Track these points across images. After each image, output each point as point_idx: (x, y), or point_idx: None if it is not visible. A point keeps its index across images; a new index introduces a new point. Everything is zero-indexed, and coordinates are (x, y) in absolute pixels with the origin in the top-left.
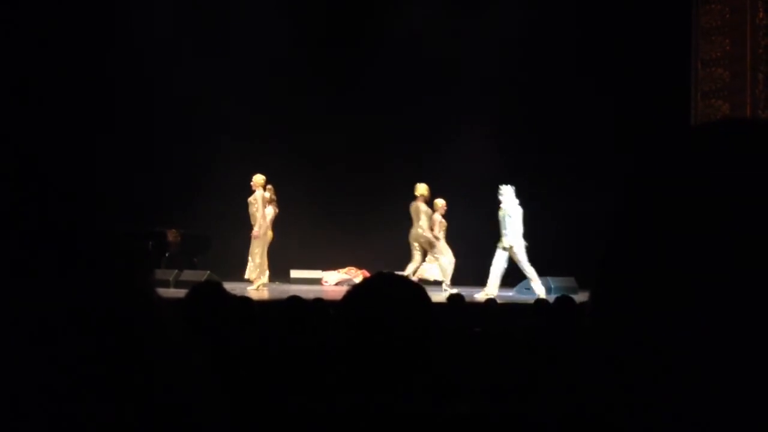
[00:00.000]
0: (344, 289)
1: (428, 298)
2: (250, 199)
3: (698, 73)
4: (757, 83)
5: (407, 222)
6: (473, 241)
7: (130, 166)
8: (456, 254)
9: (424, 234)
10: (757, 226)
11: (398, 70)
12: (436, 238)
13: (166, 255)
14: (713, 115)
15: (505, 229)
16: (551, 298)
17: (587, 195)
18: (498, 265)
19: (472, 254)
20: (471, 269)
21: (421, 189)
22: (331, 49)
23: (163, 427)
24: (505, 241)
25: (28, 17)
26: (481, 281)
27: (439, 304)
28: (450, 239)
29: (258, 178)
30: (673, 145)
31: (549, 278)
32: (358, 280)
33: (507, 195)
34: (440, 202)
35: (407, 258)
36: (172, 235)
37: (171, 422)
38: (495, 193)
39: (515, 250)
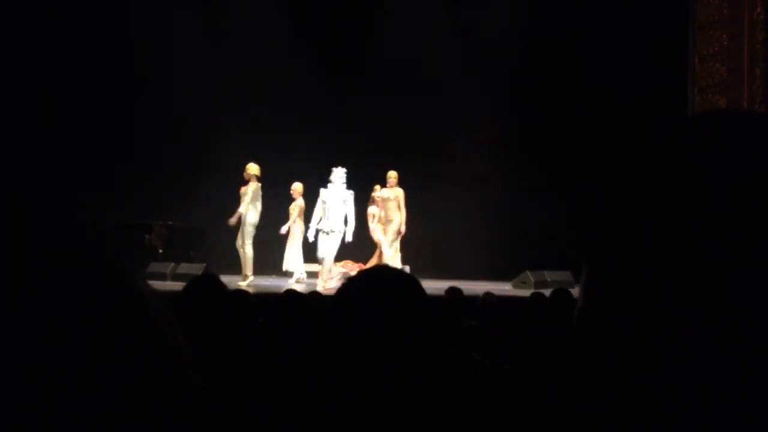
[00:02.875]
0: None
1: (423, 291)
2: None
3: (696, 68)
4: (755, 78)
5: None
6: (469, 236)
7: (127, 160)
8: (454, 249)
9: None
10: (753, 219)
11: (395, 68)
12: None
13: (159, 249)
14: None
15: (327, 212)
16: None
17: (583, 190)
18: (326, 250)
19: (471, 248)
20: (469, 264)
21: (253, 169)
22: (326, 42)
23: (156, 424)
24: (326, 225)
25: (12, 6)
26: (481, 274)
27: (436, 297)
28: (445, 235)
29: (391, 174)
30: (665, 137)
31: (545, 272)
32: (354, 273)
33: (336, 178)
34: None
35: (405, 251)
36: (157, 229)
37: (164, 418)
38: (488, 187)
39: (335, 234)
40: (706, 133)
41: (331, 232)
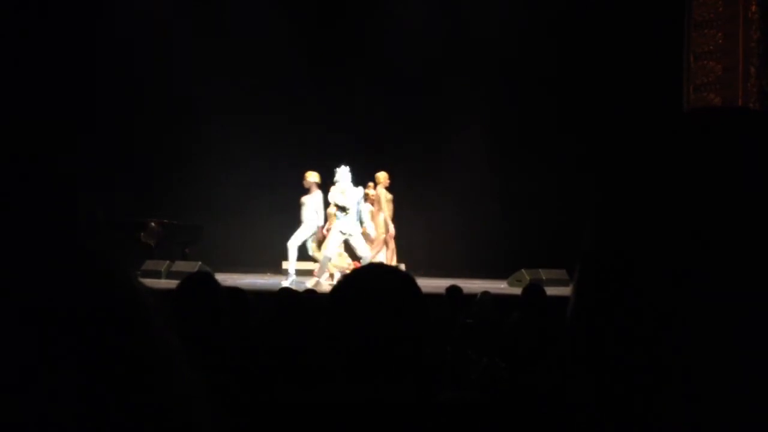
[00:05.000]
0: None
1: (419, 289)
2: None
3: (690, 66)
4: (749, 76)
5: (401, 214)
6: (465, 234)
7: (122, 158)
8: (450, 247)
9: None
10: (748, 216)
11: (391, 66)
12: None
13: (152, 246)
14: None
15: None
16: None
17: (579, 188)
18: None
19: (466, 247)
20: (464, 262)
21: (313, 176)
22: (323, 40)
23: (147, 421)
24: (346, 227)
25: (10, 3)
26: (477, 272)
27: (432, 296)
28: (441, 234)
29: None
30: (658, 134)
31: (541, 270)
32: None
33: (342, 177)
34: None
35: (402, 250)
36: (152, 227)
37: (156, 416)
38: (484, 185)
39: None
40: (700, 131)
41: (355, 234)
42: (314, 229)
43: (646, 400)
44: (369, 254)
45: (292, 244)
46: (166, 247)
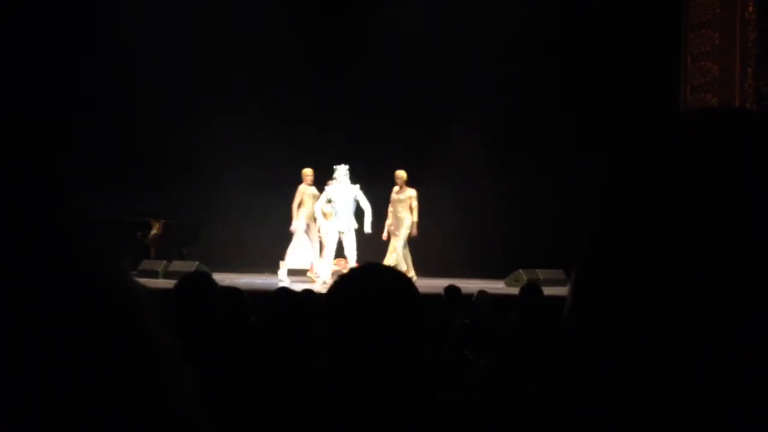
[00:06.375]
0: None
1: (415, 289)
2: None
3: (688, 67)
4: (746, 77)
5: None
6: (462, 234)
7: (120, 158)
8: (447, 247)
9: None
10: (747, 220)
11: (387, 65)
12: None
13: (151, 246)
14: None
15: (337, 211)
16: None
17: (576, 188)
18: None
19: (463, 247)
20: (462, 262)
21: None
22: (319, 40)
23: (143, 422)
24: (340, 225)
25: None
26: (474, 272)
27: (430, 296)
28: (438, 233)
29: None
30: (655, 135)
31: (538, 270)
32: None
33: (340, 176)
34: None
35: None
36: (149, 226)
37: (151, 416)
38: (481, 185)
39: (351, 233)
40: (697, 132)
41: (348, 231)
42: (410, 225)
43: (643, 399)
44: (354, 254)
45: (400, 245)
46: (163, 247)
